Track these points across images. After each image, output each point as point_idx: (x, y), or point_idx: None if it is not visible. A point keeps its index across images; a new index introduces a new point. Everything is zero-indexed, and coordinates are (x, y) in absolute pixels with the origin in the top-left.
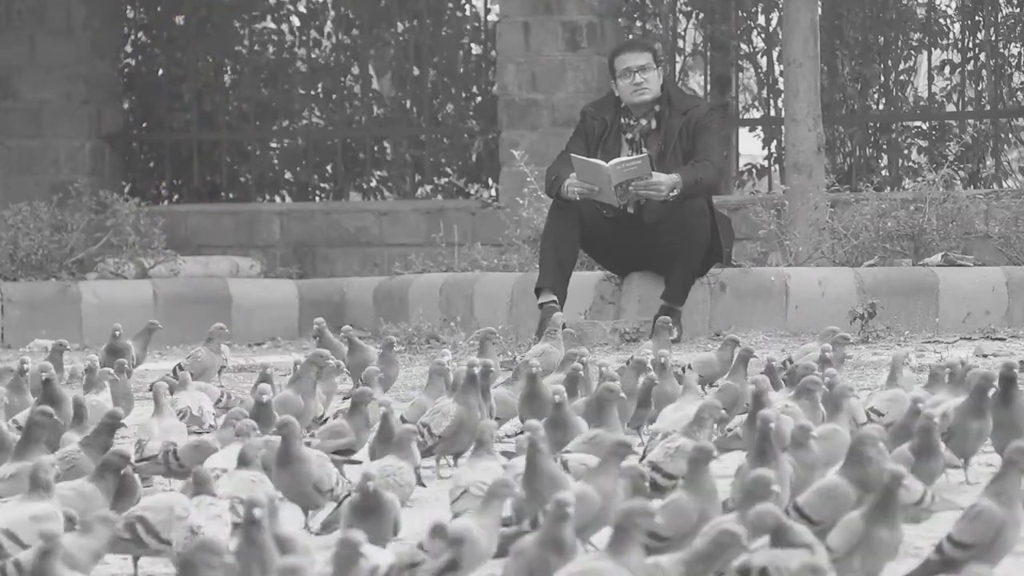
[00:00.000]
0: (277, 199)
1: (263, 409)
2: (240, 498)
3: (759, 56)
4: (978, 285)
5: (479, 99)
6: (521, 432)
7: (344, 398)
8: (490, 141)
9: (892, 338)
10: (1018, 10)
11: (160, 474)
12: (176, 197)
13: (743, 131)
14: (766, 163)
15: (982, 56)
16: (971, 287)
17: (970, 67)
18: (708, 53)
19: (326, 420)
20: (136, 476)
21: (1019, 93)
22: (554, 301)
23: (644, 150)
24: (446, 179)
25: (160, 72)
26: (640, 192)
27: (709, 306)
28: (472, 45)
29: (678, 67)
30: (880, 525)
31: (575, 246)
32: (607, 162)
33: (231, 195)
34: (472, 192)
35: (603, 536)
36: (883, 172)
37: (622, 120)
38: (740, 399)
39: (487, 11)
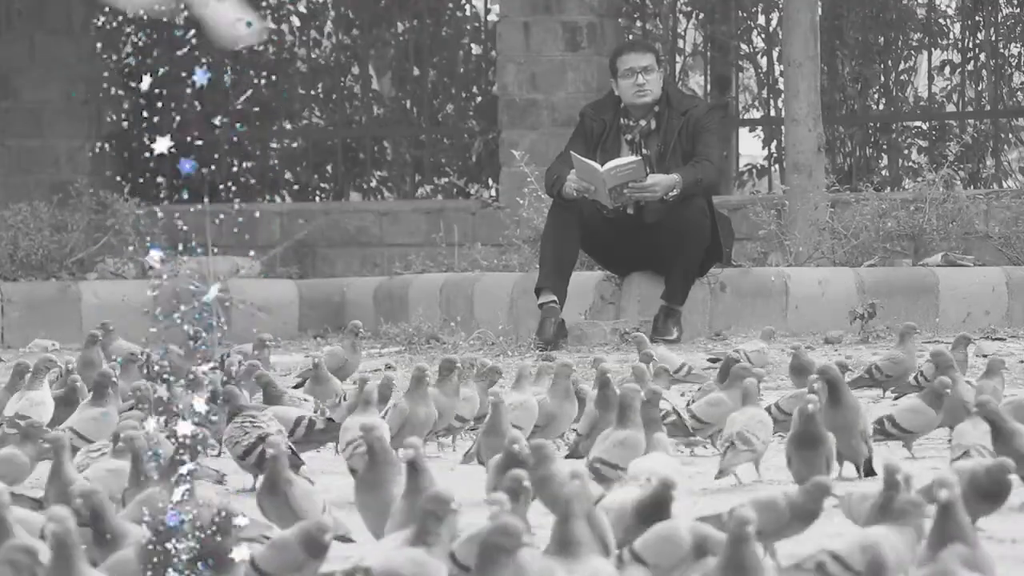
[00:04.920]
0: (277, 199)
1: None
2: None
3: (759, 56)
4: (978, 285)
5: (479, 99)
6: None
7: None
8: (490, 141)
9: (892, 338)
10: (1018, 10)
11: None
12: (176, 197)
13: (743, 131)
14: (766, 163)
15: (982, 56)
16: (971, 287)
17: (970, 67)
18: (708, 53)
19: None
20: None
21: (1019, 93)
22: (554, 301)
23: (644, 151)
24: (446, 179)
25: (160, 72)
26: (635, 195)
27: (709, 306)
28: (472, 45)
29: (678, 67)
30: None
31: (575, 246)
32: (604, 164)
33: (231, 195)
34: (472, 192)
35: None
36: (883, 172)
37: (621, 121)
38: None
39: (487, 11)
